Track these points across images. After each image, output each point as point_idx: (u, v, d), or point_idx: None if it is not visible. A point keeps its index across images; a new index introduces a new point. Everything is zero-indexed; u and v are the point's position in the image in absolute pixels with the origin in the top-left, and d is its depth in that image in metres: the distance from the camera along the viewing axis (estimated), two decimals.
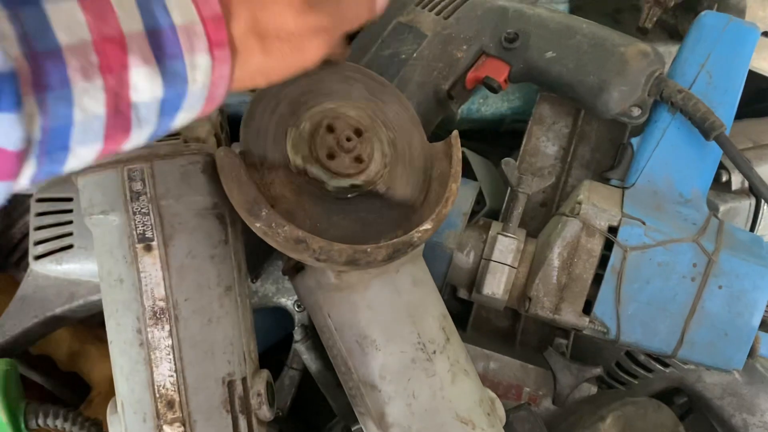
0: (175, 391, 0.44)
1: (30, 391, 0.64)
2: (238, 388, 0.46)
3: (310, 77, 0.51)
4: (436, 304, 0.53)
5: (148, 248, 0.46)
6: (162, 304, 0.45)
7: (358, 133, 0.50)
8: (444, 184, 0.51)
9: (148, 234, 0.46)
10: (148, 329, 0.45)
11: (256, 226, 0.46)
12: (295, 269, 0.54)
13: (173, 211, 0.47)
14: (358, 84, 0.53)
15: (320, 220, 0.49)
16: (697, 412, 0.71)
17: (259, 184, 0.48)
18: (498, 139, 0.83)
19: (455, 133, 0.52)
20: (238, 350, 0.47)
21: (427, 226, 0.49)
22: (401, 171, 0.52)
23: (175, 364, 0.44)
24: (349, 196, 0.50)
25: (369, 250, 0.47)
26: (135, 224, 0.46)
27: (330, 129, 0.49)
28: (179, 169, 0.47)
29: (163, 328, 0.45)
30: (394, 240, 0.48)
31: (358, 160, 0.49)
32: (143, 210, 0.47)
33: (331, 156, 0.48)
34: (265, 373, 0.49)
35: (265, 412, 0.47)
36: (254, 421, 0.47)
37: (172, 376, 0.44)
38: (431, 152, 0.53)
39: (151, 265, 0.46)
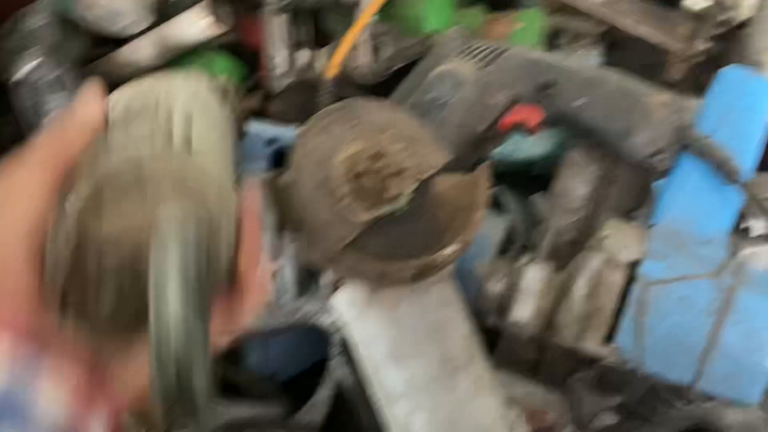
0: None
1: None
2: None
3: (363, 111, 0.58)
4: (462, 323, 0.57)
5: None
6: None
7: (398, 173, 0.55)
8: (472, 212, 0.56)
9: None
10: None
11: (296, 243, 0.52)
12: (333, 287, 0.59)
13: None
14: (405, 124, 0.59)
15: (356, 240, 0.54)
16: None
17: (303, 206, 0.54)
18: (531, 181, 0.86)
19: (484, 165, 0.57)
20: None
21: (453, 248, 0.54)
22: (429, 201, 0.56)
23: None
24: (382, 220, 0.55)
25: (397, 268, 0.52)
26: None
27: (377, 156, 0.55)
28: None
29: None
30: (422, 260, 0.52)
31: (383, 191, 0.54)
32: None
33: (362, 174, 0.54)
34: None
35: None
36: None
37: None
38: (462, 183, 0.58)
39: None
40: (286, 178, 0.55)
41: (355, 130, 0.58)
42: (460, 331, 0.56)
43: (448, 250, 0.53)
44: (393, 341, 0.54)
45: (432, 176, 0.57)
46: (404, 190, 0.55)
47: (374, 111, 0.59)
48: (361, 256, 0.52)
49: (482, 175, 0.57)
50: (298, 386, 0.79)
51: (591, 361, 0.66)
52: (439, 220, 0.56)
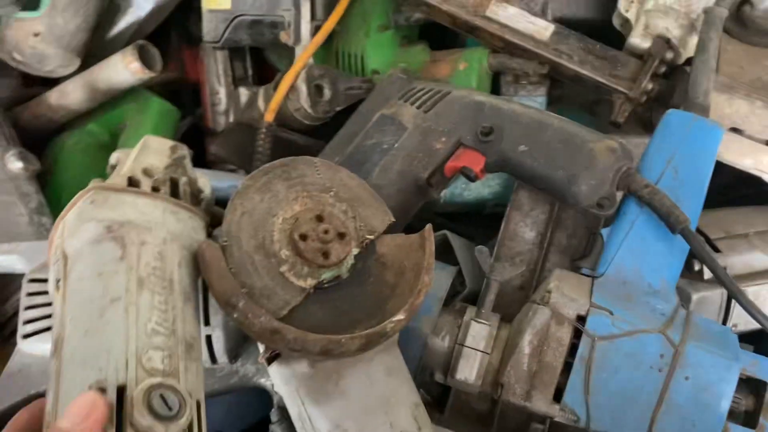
0: (52, 412, 0.42)
1: None
2: (110, 395, 0.41)
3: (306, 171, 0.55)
4: (409, 393, 0.55)
5: (57, 289, 0.47)
6: (57, 333, 0.45)
7: (341, 236, 0.53)
8: (417, 275, 0.53)
9: (60, 277, 0.47)
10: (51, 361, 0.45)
11: (234, 317, 0.49)
12: (271, 357, 0.56)
13: (72, 248, 0.48)
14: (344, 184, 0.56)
15: (298, 309, 0.51)
16: None
17: (239, 271, 0.51)
18: (481, 220, 0.85)
19: (429, 226, 0.55)
20: (117, 357, 0.42)
21: (400, 316, 0.51)
22: (374, 264, 0.54)
23: (55, 386, 0.43)
24: (325, 285, 0.53)
25: (343, 340, 0.49)
26: (54, 274, 0.48)
27: (319, 219, 0.52)
28: (76, 210, 0.50)
29: (53, 356, 0.44)
30: (368, 331, 0.50)
31: (326, 255, 0.51)
32: (56, 257, 0.49)
33: (304, 237, 0.51)
34: (154, 381, 0.42)
35: (139, 420, 0.40)
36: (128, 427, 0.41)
37: (50, 399, 0.43)
38: (406, 243, 0.56)
39: (58, 303, 0.47)
40: (219, 240, 0.52)
41: (296, 189, 0.55)
42: (407, 401, 0.53)
43: (396, 318, 0.51)
44: (337, 415, 0.52)
45: (375, 239, 0.55)
46: (347, 254, 0.53)
47: (316, 169, 0.57)
48: (303, 329, 0.49)
49: (428, 235, 0.55)
50: None
51: (543, 417, 0.64)
52: (385, 283, 0.54)
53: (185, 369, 0.45)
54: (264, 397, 0.74)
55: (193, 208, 0.54)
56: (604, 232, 0.64)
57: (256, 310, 0.48)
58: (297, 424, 0.54)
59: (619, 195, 0.63)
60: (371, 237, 0.55)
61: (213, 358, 0.59)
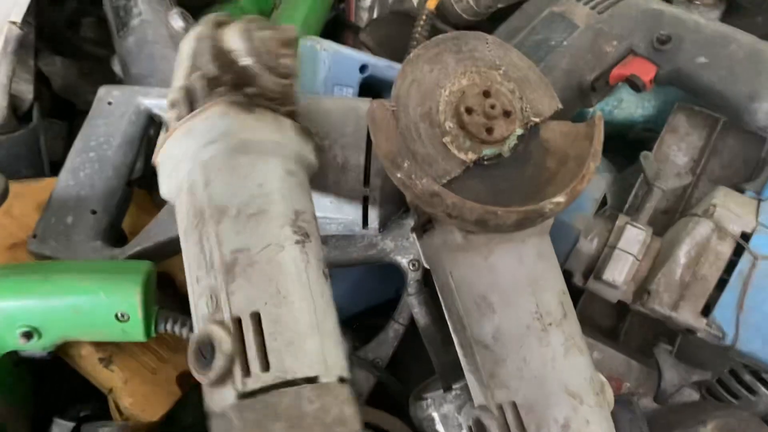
0: None
1: None
2: None
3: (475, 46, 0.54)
4: (557, 279, 0.54)
5: None
6: None
7: (507, 114, 0.52)
8: (582, 163, 0.52)
9: None
10: None
11: (397, 177, 0.49)
12: (423, 228, 0.56)
13: None
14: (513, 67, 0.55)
15: (456, 180, 0.51)
16: None
17: (405, 136, 0.51)
18: (620, 147, 0.83)
19: (599, 114, 0.53)
20: None
21: (560, 199, 0.50)
22: (536, 148, 0.53)
23: None
24: (485, 162, 0.52)
25: (499, 212, 0.48)
26: None
27: (486, 94, 0.52)
28: None
29: None
30: (526, 207, 0.49)
31: (489, 131, 0.50)
32: None
33: (469, 111, 0.50)
34: None
35: None
36: None
37: None
38: (572, 132, 0.55)
39: None
40: (388, 105, 0.52)
41: (465, 63, 0.54)
42: (555, 286, 0.53)
43: (556, 199, 0.50)
44: (484, 288, 0.52)
45: (541, 123, 0.54)
46: (511, 133, 0.52)
47: (487, 46, 0.56)
48: (463, 196, 0.49)
49: (598, 124, 0.53)
50: (358, 323, 0.78)
51: (671, 333, 0.63)
52: (546, 168, 0.53)
53: None
54: (389, 281, 0.75)
55: None
56: None
57: (419, 173, 0.48)
58: (441, 294, 0.55)
59: None
60: (537, 120, 0.54)
61: (365, 221, 0.60)
